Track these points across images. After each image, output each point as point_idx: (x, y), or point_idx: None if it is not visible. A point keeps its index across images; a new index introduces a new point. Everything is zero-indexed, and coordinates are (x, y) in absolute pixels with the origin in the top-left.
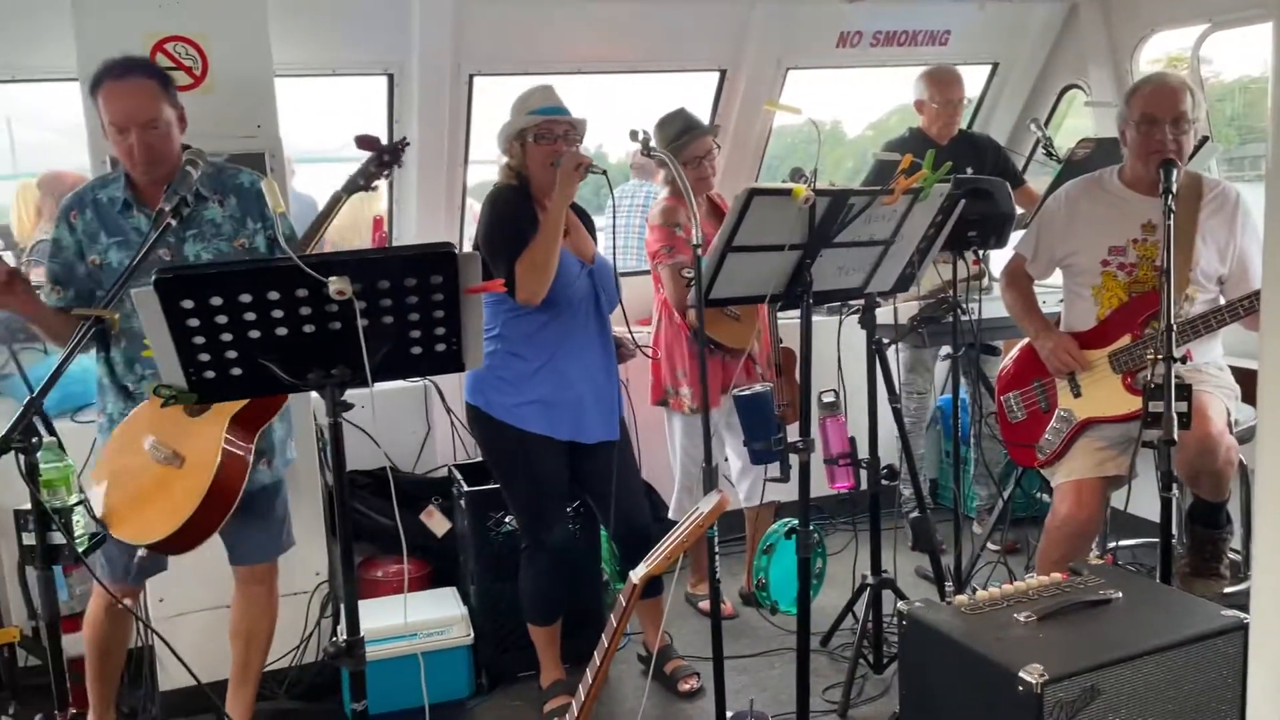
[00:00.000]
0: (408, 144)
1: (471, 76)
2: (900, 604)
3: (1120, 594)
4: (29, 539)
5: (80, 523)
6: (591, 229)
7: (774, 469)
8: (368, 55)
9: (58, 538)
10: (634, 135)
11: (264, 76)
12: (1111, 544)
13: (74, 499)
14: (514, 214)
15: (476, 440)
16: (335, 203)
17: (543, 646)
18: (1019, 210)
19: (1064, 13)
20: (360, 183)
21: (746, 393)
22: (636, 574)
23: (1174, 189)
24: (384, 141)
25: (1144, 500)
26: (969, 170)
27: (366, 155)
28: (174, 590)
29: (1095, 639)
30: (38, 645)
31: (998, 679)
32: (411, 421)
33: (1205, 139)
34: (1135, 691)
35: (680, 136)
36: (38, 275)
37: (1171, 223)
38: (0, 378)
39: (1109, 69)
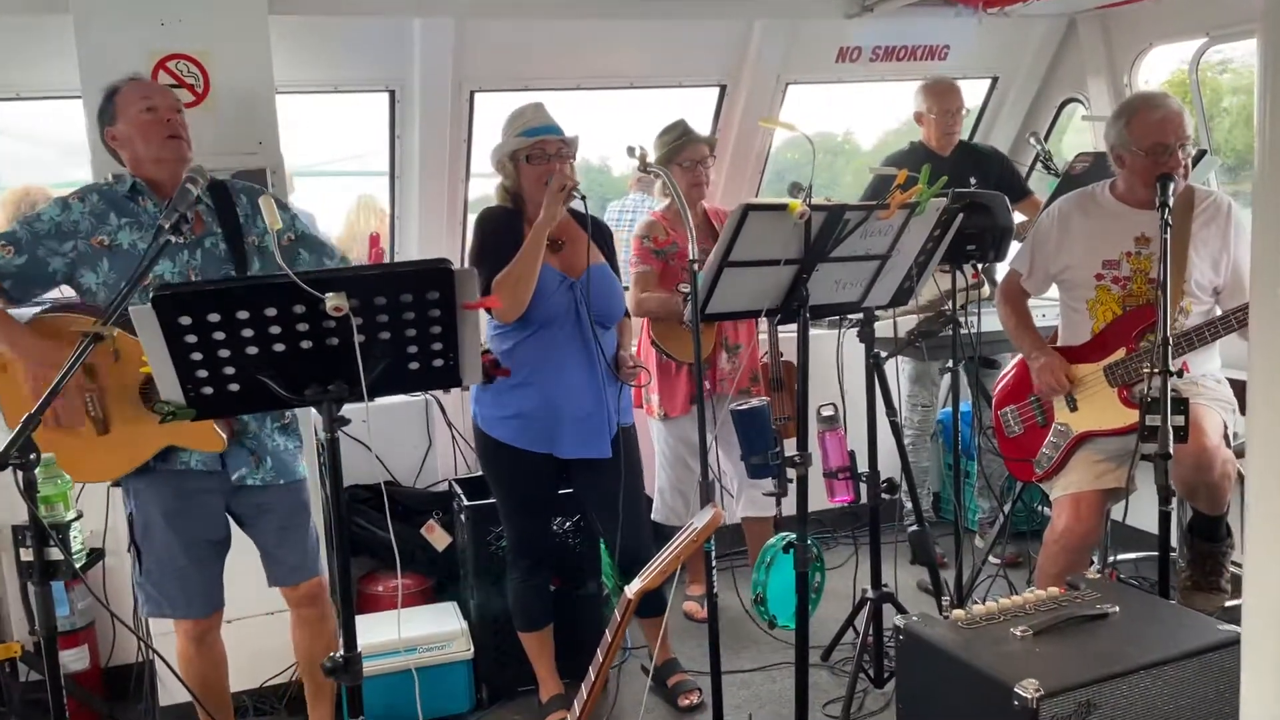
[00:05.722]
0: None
1: (473, 93)
2: (897, 618)
3: (1117, 608)
4: (27, 555)
5: (78, 539)
6: (606, 242)
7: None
8: (370, 73)
9: (55, 553)
10: (631, 151)
11: (265, 94)
12: (1113, 557)
13: (71, 515)
14: (496, 234)
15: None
16: None
17: (535, 656)
18: (1022, 219)
19: (1062, 27)
20: None
21: (743, 407)
22: (631, 589)
23: (1170, 202)
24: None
25: (1145, 513)
26: (973, 182)
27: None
28: None
29: (1091, 654)
30: (39, 661)
31: (993, 694)
32: (413, 436)
33: (1203, 152)
34: (1131, 706)
35: (677, 141)
36: None
37: (1168, 236)
38: None
39: (1108, 82)
